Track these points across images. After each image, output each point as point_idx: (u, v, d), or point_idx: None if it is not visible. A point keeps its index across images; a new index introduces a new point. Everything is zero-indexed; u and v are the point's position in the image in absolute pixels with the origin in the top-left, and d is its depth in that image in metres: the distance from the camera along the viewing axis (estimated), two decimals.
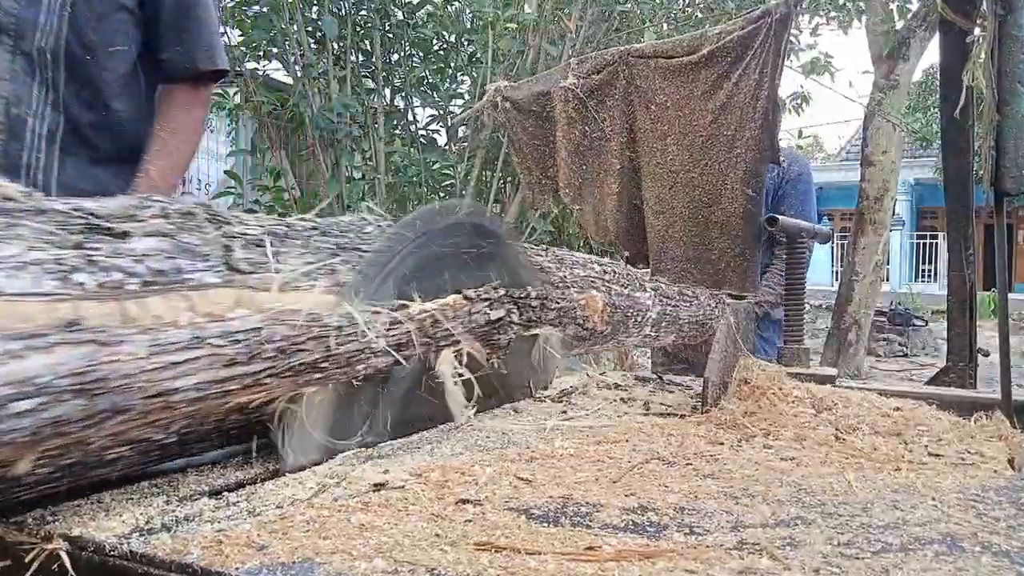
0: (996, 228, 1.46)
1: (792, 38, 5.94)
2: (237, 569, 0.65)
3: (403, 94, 4.82)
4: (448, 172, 4.80)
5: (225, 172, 5.17)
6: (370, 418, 1.07)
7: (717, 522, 0.81)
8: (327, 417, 1.00)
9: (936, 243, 19.82)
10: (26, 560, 0.70)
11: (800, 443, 1.19)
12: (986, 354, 1.84)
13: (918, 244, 21.29)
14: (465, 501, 0.84)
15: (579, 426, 1.28)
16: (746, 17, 2.14)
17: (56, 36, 1.50)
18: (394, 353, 1.03)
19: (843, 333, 5.99)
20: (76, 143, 1.58)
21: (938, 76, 1.88)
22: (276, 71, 4.91)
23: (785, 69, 2.20)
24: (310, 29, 4.50)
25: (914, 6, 6.23)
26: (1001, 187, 1.44)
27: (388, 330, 1.03)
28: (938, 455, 1.13)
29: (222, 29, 4.49)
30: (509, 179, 4.63)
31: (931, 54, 7.22)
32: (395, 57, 4.82)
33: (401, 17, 4.63)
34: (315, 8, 4.49)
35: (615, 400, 1.55)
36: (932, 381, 1.87)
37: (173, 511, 0.80)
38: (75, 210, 0.78)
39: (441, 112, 4.90)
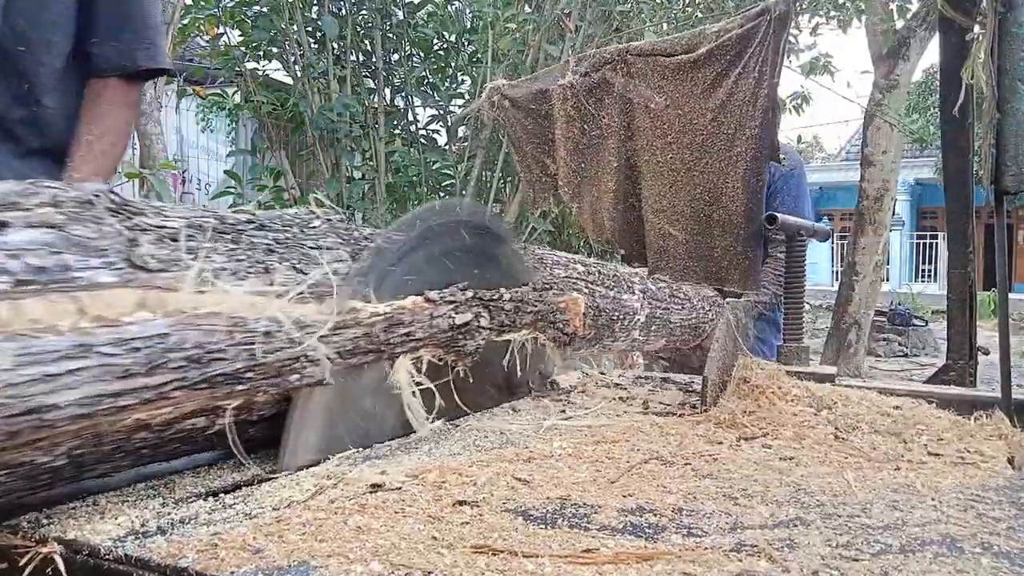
0: (996, 227, 1.46)
1: (792, 37, 5.94)
2: (232, 573, 0.65)
3: (403, 94, 4.82)
4: (448, 172, 4.79)
5: (225, 172, 5.16)
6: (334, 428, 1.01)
7: (715, 523, 0.81)
8: (325, 418, 1.00)
9: (936, 243, 19.81)
10: (20, 564, 0.69)
11: (799, 442, 1.18)
12: (986, 352, 1.84)
13: (918, 244, 21.28)
14: (462, 502, 0.84)
15: (577, 426, 1.27)
16: (745, 15, 2.14)
17: None
18: (324, 361, 0.92)
19: (843, 333, 5.98)
20: (1, 137, 1.50)
21: (938, 75, 1.87)
22: (276, 71, 4.91)
23: (785, 69, 2.19)
24: (310, 29, 4.50)
25: (914, 6, 6.22)
26: (1001, 185, 1.44)
27: (331, 335, 0.95)
28: (938, 454, 1.13)
29: (220, 29, 4.50)
30: (509, 179, 4.63)
31: (931, 54, 7.22)
32: (395, 57, 4.82)
33: (402, 17, 4.63)
34: (315, 8, 4.49)
35: (614, 399, 1.55)
36: (932, 379, 1.86)
37: (169, 513, 0.80)
38: None
39: (441, 112, 4.90)
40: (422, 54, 4.85)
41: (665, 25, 5.16)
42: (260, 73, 4.82)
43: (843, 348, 5.94)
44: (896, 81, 5.90)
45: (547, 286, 1.44)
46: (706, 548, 0.73)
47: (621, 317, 1.71)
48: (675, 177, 2.27)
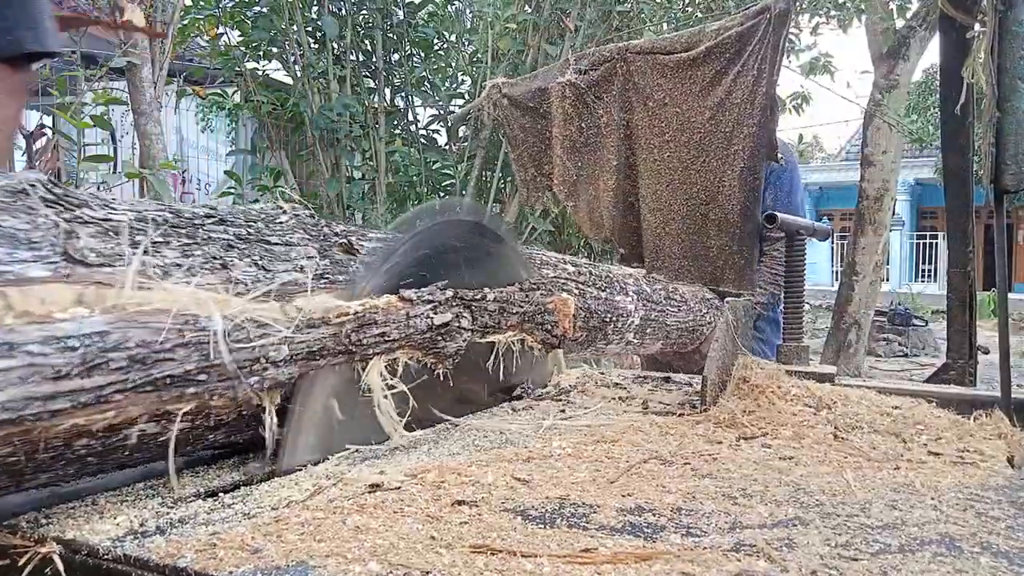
0: (996, 226, 1.46)
1: (792, 37, 5.94)
2: (230, 573, 0.65)
3: (403, 94, 4.82)
4: (448, 172, 4.79)
5: (225, 172, 5.17)
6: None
7: (715, 523, 0.81)
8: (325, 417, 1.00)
9: (936, 243, 19.79)
10: (19, 563, 0.69)
11: (799, 442, 1.18)
12: (986, 351, 1.84)
13: (918, 244, 21.26)
14: (461, 502, 0.84)
15: (577, 425, 1.27)
16: (744, 13, 2.13)
17: None
18: (281, 363, 0.87)
19: (843, 333, 5.98)
20: None
21: (938, 75, 1.87)
22: (276, 71, 4.92)
23: (785, 68, 2.19)
24: (310, 29, 4.50)
25: (914, 5, 6.22)
26: (1001, 184, 1.44)
27: (295, 335, 0.90)
28: (937, 454, 1.12)
29: (220, 29, 4.50)
30: (509, 179, 4.63)
31: (931, 54, 7.21)
32: (396, 57, 4.82)
33: (402, 17, 4.63)
34: (315, 8, 4.49)
35: (614, 399, 1.55)
36: (932, 379, 1.86)
37: (167, 513, 0.80)
38: None
39: (441, 112, 4.90)
40: (422, 54, 4.85)
41: (665, 25, 5.16)
42: (260, 73, 4.82)
43: (843, 348, 5.94)
44: (896, 81, 5.89)
45: (534, 286, 1.40)
46: (705, 548, 0.73)
47: (614, 319, 1.67)
48: (672, 176, 2.27)
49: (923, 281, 19.72)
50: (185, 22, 4.80)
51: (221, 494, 0.87)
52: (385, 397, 1.03)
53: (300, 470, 0.95)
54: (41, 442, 0.69)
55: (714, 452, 1.11)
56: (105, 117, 3.36)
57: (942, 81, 1.79)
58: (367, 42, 4.63)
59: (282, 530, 0.74)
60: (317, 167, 4.52)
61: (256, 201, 4.42)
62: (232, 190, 4.77)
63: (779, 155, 2.16)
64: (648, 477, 0.97)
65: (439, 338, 1.14)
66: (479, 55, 4.73)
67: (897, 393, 1.49)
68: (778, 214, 2.05)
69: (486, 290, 1.26)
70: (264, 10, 4.36)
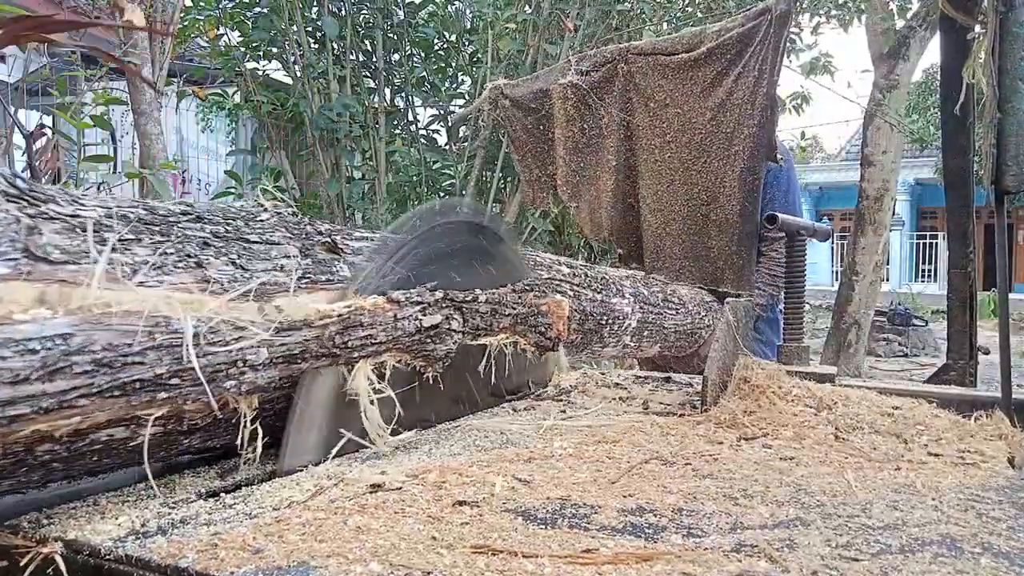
0: (996, 226, 1.46)
1: (793, 36, 5.94)
2: (232, 573, 0.65)
3: (404, 94, 4.82)
4: (448, 172, 4.79)
5: (225, 172, 5.17)
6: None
7: (715, 523, 0.81)
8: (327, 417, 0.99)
9: (936, 243, 19.80)
10: (21, 564, 0.69)
11: (800, 442, 1.18)
12: (986, 352, 1.84)
13: (918, 244, 21.27)
14: (462, 503, 0.84)
15: (578, 426, 1.27)
16: (745, 14, 2.14)
17: None
18: (253, 366, 0.82)
19: (843, 333, 5.98)
20: None
21: (938, 75, 1.87)
22: (276, 71, 4.91)
23: (785, 68, 2.19)
24: (310, 29, 4.50)
25: (914, 5, 6.22)
26: (1001, 185, 1.44)
27: (275, 338, 0.87)
28: (938, 454, 1.12)
29: (220, 29, 4.50)
30: (509, 179, 4.63)
31: (931, 54, 7.22)
32: (396, 57, 4.82)
33: (402, 17, 4.63)
34: (315, 8, 4.49)
35: (614, 399, 1.55)
36: (932, 379, 1.86)
37: (169, 513, 0.80)
38: None
39: (442, 112, 4.90)
40: (422, 54, 4.85)
41: (665, 25, 5.16)
42: (260, 73, 4.82)
43: (843, 348, 5.94)
44: (896, 81, 5.89)
45: (528, 288, 1.38)
46: (706, 548, 0.73)
47: (610, 322, 1.65)
48: (673, 176, 2.27)
49: (923, 281, 19.72)
50: (185, 23, 4.80)
51: (222, 494, 0.87)
52: (372, 402, 1.01)
53: (301, 470, 0.95)
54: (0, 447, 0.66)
55: (715, 452, 1.11)
56: (105, 117, 3.35)
57: (942, 82, 1.79)
58: (367, 42, 4.63)
59: (283, 530, 0.74)
60: (317, 167, 4.52)
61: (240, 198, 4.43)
62: (232, 190, 4.77)
63: (779, 158, 2.16)
64: (649, 477, 0.97)
65: (428, 340, 1.12)
66: (479, 55, 4.73)
67: (897, 393, 1.49)
68: (778, 215, 2.05)
69: (477, 291, 1.23)
70: (264, 10, 4.36)
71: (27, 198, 0.72)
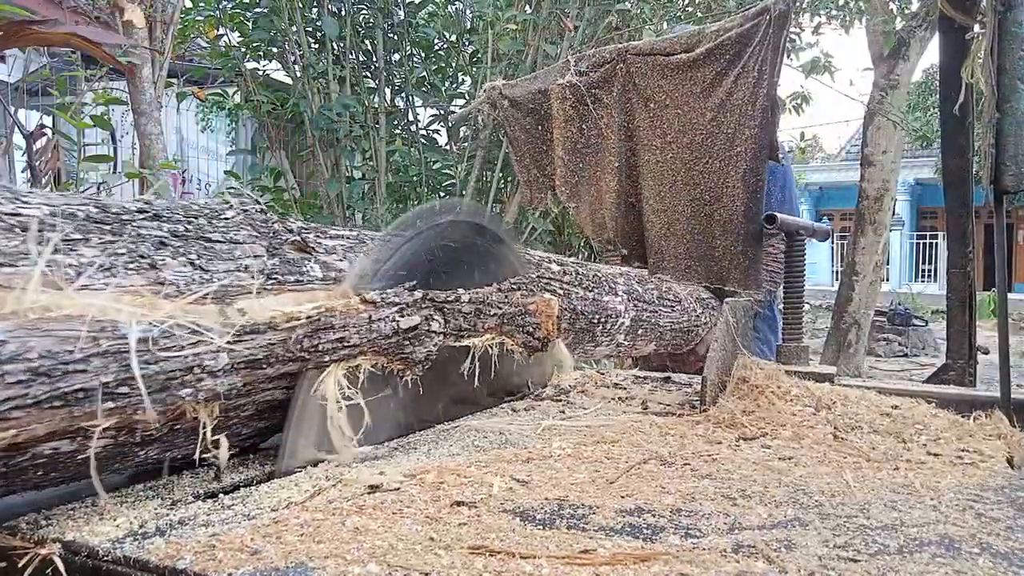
0: (996, 226, 1.46)
1: (794, 36, 5.93)
2: (230, 574, 0.65)
3: (404, 94, 4.82)
4: (448, 172, 4.79)
5: (225, 172, 5.17)
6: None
7: (714, 524, 0.81)
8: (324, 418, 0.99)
9: (936, 243, 19.78)
10: (20, 565, 0.69)
11: (798, 442, 1.18)
12: (985, 352, 1.84)
13: (918, 244, 21.25)
14: (460, 503, 0.84)
15: (577, 426, 1.27)
16: (744, 14, 2.13)
17: None
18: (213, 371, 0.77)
19: (843, 333, 5.98)
20: None
21: (938, 75, 1.87)
22: (276, 71, 4.91)
23: (785, 68, 2.19)
24: (310, 29, 4.50)
25: (914, 6, 6.22)
26: (1001, 185, 1.44)
27: (237, 342, 0.82)
28: (936, 454, 1.12)
29: (220, 30, 4.50)
30: (509, 179, 4.63)
31: (931, 54, 7.21)
32: (396, 57, 4.82)
33: (402, 17, 4.63)
34: (315, 8, 4.49)
35: (613, 399, 1.55)
36: (931, 379, 1.86)
37: (167, 514, 0.80)
38: None
39: (442, 112, 4.90)
40: (422, 54, 4.85)
41: (665, 25, 5.16)
42: (260, 73, 4.82)
43: (843, 348, 5.93)
44: (896, 81, 5.89)
45: (514, 286, 1.33)
46: (704, 549, 0.73)
47: (603, 320, 1.61)
48: (675, 177, 2.27)
49: (923, 281, 19.70)
50: (184, 23, 4.80)
51: (220, 495, 0.87)
52: (339, 409, 0.96)
53: (299, 471, 0.95)
54: None
55: (714, 453, 1.11)
56: (105, 117, 3.35)
57: (942, 82, 1.79)
58: (367, 42, 4.63)
59: (281, 531, 0.74)
60: (317, 167, 4.52)
61: (275, 207, 4.42)
62: (232, 190, 4.76)
63: (780, 157, 2.16)
64: (647, 478, 0.97)
65: (407, 343, 1.06)
66: (479, 55, 4.73)
67: (897, 393, 1.49)
68: (778, 214, 2.05)
69: (460, 291, 1.19)
70: (264, 10, 4.36)
71: None
